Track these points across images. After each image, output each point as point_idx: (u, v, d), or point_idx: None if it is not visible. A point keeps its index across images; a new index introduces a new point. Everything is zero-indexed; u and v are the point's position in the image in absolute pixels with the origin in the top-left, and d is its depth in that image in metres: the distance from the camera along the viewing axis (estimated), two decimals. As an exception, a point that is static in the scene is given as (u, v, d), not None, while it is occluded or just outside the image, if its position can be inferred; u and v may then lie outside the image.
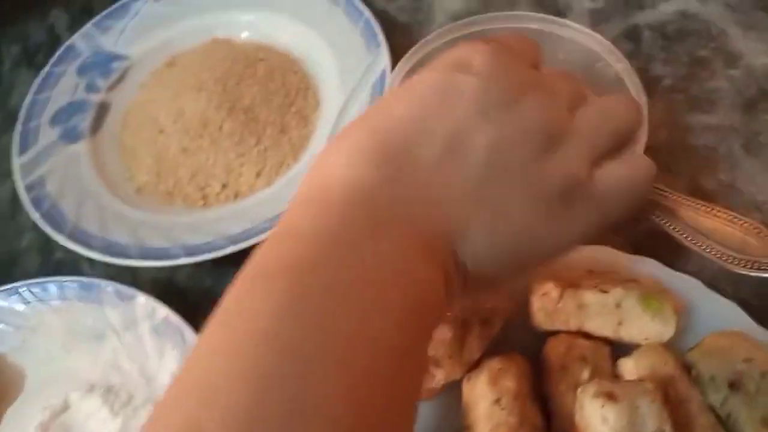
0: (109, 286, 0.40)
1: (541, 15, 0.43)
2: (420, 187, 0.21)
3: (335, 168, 0.22)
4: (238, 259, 0.40)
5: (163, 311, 0.38)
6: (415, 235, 0.20)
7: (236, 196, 0.45)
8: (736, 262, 0.27)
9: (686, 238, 0.29)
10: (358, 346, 0.18)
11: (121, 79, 0.52)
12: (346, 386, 0.17)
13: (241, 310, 0.18)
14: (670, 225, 0.29)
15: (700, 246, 0.28)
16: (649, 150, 0.43)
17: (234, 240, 0.40)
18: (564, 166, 0.22)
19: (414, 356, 0.20)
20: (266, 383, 0.16)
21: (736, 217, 0.28)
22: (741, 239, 0.27)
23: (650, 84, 0.46)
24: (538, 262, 0.24)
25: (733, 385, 0.31)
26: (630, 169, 0.24)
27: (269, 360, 0.16)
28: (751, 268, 0.26)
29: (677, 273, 0.36)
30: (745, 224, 0.28)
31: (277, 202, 0.42)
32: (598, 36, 0.41)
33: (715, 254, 0.28)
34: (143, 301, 0.39)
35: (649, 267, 0.36)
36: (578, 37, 0.41)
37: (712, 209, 0.29)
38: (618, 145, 0.24)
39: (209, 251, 0.40)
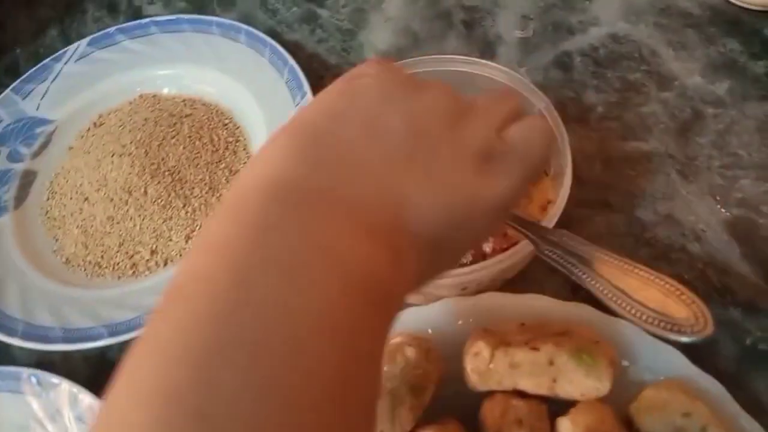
0: (33, 376, 0.38)
1: (465, 57, 0.41)
2: (345, 169, 0.21)
3: (250, 176, 0.21)
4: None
5: (87, 399, 0.36)
6: (346, 216, 0.20)
7: (166, 262, 0.43)
8: (656, 324, 0.26)
9: (607, 295, 0.27)
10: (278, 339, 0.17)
11: (46, 144, 0.50)
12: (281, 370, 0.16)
13: (155, 333, 0.18)
14: (591, 281, 0.28)
15: (621, 305, 0.27)
16: (584, 184, 0.42)
17: (158, 315, 0.38)
18: (474, 134, 0.24)
19: (364, 339, 0.19)
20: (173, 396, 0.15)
21: (657, 277, 0.27)
22: (661, 301, 0.26)
23: (583, 113, 0.46)
24: (483, 218, 0.24)
25: (673, 442, 0.30)
26: (529, 125, 0.27)
27: (177, 381, 0.16)
28: (670, 330, 0.25)
29: (614, 318, 0.35)
30: (667, 285, 0.26)
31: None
32: (517, 75, 0.40)
33: (635, 314, 0.26)
34: (66, 388, 0.37)
35: (586, 313, 0.35)
36: (502, 76, 0.40)
37: (634, 268, 0.28)
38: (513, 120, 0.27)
39: (133, 329, 0.38)
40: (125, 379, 0.17)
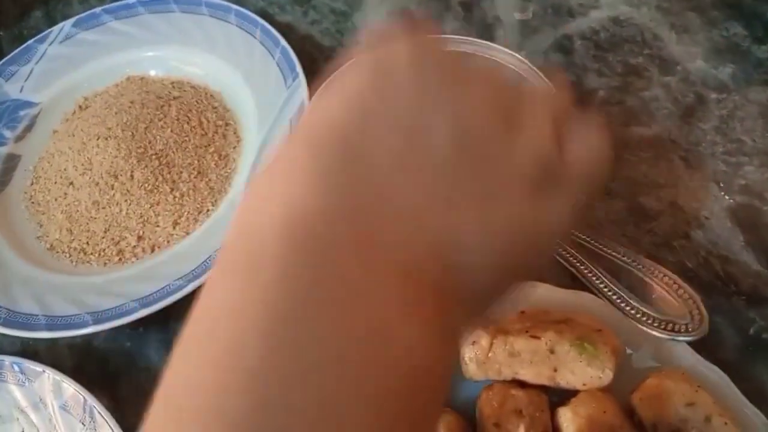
0: (15, 364, 0.37)
1: (467, 38, 0.40)
2: (385, 195, 0.17)
3: (265, 203, 0.17)
4: (156, 319, 0.38)
5: (71, 388, 0.35)
6: (391, 268, 0.16)
7: (153, 248, 0.42)
8: (650, 322, 0.25)
9: (605, 291, 0.27)
10: None
11: (30, 127, 0.49)
12: None
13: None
14: (590, 275, 0.27)
15: (618, 302, 0.26)
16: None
17: (144, 303, 0.37)
18: (533, 143, 0.19)
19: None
20: None
21: (658, 271, 0.26)
22: (660, 296, 0.25)
23: (585, 98, 0.44)
24: (537, 254, 0.20)
25: (676, 433, 0.29)
26: (590, 141, 0.21)
27: None
28: (664, 329, 0.24)
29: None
30: (666, 279, 0.25)
31: (194, 255, 0.39)
32: (519, 56, 0.39)
33: (631, 310, 0.25)
34: (49, 377, 0.36)
35: (587, 301, 0.34)
36: (504, 58, 0.39)
37: (635, 261, 0.27)
38: (564, 123, 0.21)
39: (118, 317, 0.37)
40: None
